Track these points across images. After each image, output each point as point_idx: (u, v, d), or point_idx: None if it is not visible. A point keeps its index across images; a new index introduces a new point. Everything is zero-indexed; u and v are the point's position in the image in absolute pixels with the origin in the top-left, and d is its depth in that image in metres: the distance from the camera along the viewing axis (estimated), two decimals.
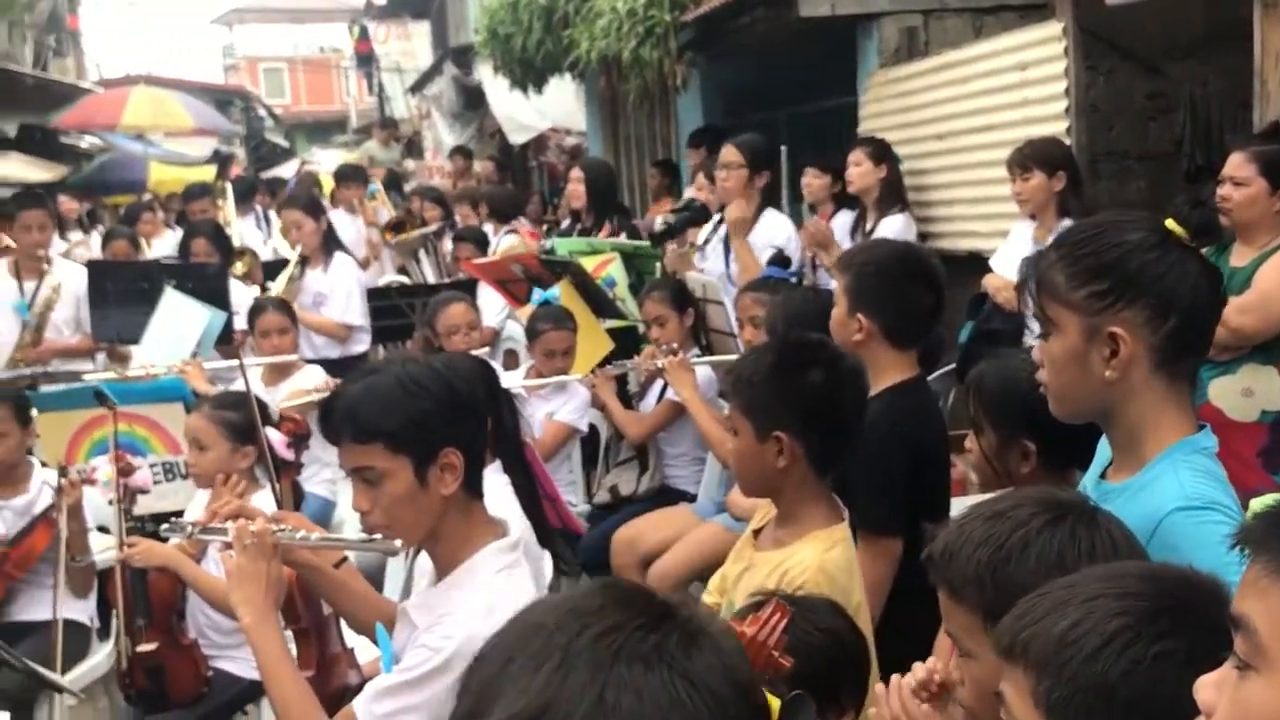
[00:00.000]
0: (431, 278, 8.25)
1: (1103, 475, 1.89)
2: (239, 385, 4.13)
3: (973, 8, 6.39)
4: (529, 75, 10.24)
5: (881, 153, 5.76)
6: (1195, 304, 1.75)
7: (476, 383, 2.27)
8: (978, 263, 5.17)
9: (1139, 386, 1.76)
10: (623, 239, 6.23)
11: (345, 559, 2.48)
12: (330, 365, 5.47)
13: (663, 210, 8.03)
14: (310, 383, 4.88)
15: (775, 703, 1.33)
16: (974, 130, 5.77)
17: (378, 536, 2.17)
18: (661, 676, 0.96)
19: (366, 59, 26.85)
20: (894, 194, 5.72)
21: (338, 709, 2.21)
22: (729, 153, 5.55)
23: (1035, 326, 1.93)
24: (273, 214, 9.65)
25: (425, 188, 12.19)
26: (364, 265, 7.50)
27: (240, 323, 5.63)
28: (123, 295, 5.92)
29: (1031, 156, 4.63)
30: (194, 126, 16.93)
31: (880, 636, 2.32)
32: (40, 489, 4.02)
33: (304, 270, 6.41)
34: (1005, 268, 4.71)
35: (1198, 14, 5.23)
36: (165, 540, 3.00)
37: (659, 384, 4.89)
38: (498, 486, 2.64)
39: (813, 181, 6.17)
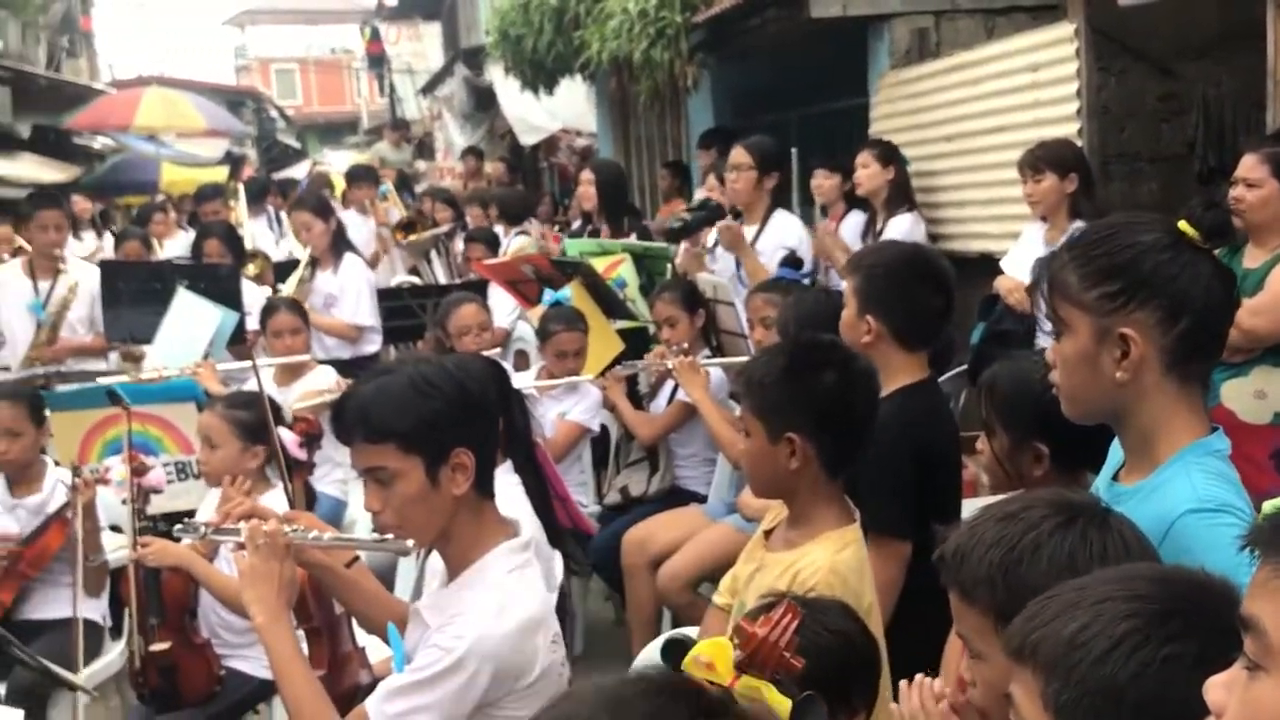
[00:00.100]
0: (443, 278, 8.27)
1: (1115, 477, 1.88)
2: (251, 386, 4.14)
3: (984, 9, 6.38)
4: (540, 76, 10.25)
5: (889, 154, 5.77)
6: (1208, 305, 1.74)
7: (488, 383, 2.28)
8: (989, 264, 5.16)
9: (1150, 388, 1.76)
10: (633, 240, 6.24)
11: (357, 559, 2.49)
12: (341, 366, 5.48)
13: (674, 211, 8.04)
14: (322, 383, 4.90)
15: (787, 703, 1.34)
16: (985, 131, 5.76)
17: (390, 536, 2.18)
18: None
19: (378, 60, 26.90)
20: (902, 194, 5.73)
21: (349, 708, 2.22)
22: (738, 154, 5.55)
23: (1047, 328, 1.93)
24: (285, 215, 9.68)
25: (436, 189, 12.22)
26: (372, 264, 7.52)
27: (252, 323, 5.65)
28: (136, 295, 5.94)
29: (1043, 158, 4.62)
30: (206, 127, 17.00)
31: (891, 637, 2.32)
32: (54, 488, 4.04)
33: (314, 272, 6.42)
34: (1016, 269, 4.70)
35: (1210, 15, 5.21)
36: (178, 540, 3.01)
37: (670, 385, 4.90)
38: (509, 487, 2.65)
39: (823, 182, 6.17)
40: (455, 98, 16.37)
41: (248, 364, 4.47)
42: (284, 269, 6.88)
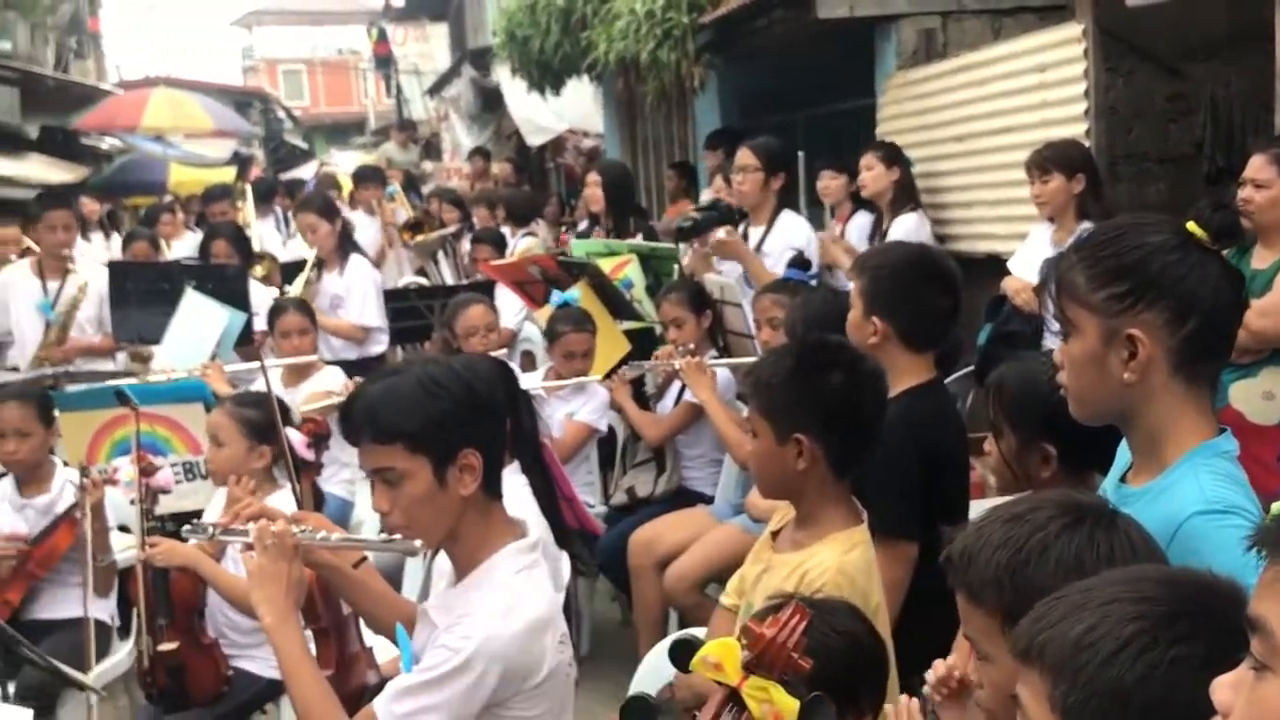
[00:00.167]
0: (450, 279, 8.29)
1: (1123, 479, 1.88)
2: (259, 386, 4.15)
3: (991, 9, 6.37)
4: (547, 77, 10.25)
5: (893, 155, 5.77)
6: (1216, 306, 1.74)
7: (496, 384, 2.28)
8: (996, 265, 5.16)
9: (1158, 389, 1.76)
10: (639, 240, 6.24)
11: (364, 559, 2.50)
12: (348, 367, 5.50)
13: (680, 212, 8.04)
14: (330, 384, 4.91)
15: (794, 704, 1.34)
16: (993, 132, 5.76)
17: (397, 537, 2.18)
18: None
19: (385, 61, 26.92)
20: (907, 195, 5.74)
21: (357, 708, 2.22)
22: (744, 156, 5.55)
23: (1055, 328, 1.93)
24: (292, 216, 9.70)
25: (443, 189, 12.24)
26: (377, 263, 7.53)
27: (260, 324, 5.66)
28: (144, 296, 5.96)
29: (1050, 159, 4.62)
30: (213, 128, 17.04)
31: (897, 639, 2.32)
32: (62, 488, 4.05)
33: (320, 273, 6.43)
34: (1024, 270, 4.70)
35: (1219, 15, 5.20)
36: (186, 541, 3.01)
37: (677, 385, 4.90)
38: (516, 487, 2.65)
39: (829, 183, 6.17)
40: (462, 98, 16.38)
41: (255, 365, 4.48)
42: (291, 270, 6.90)
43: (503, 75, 12.39)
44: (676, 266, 5.71)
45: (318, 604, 2.81)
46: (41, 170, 13.67)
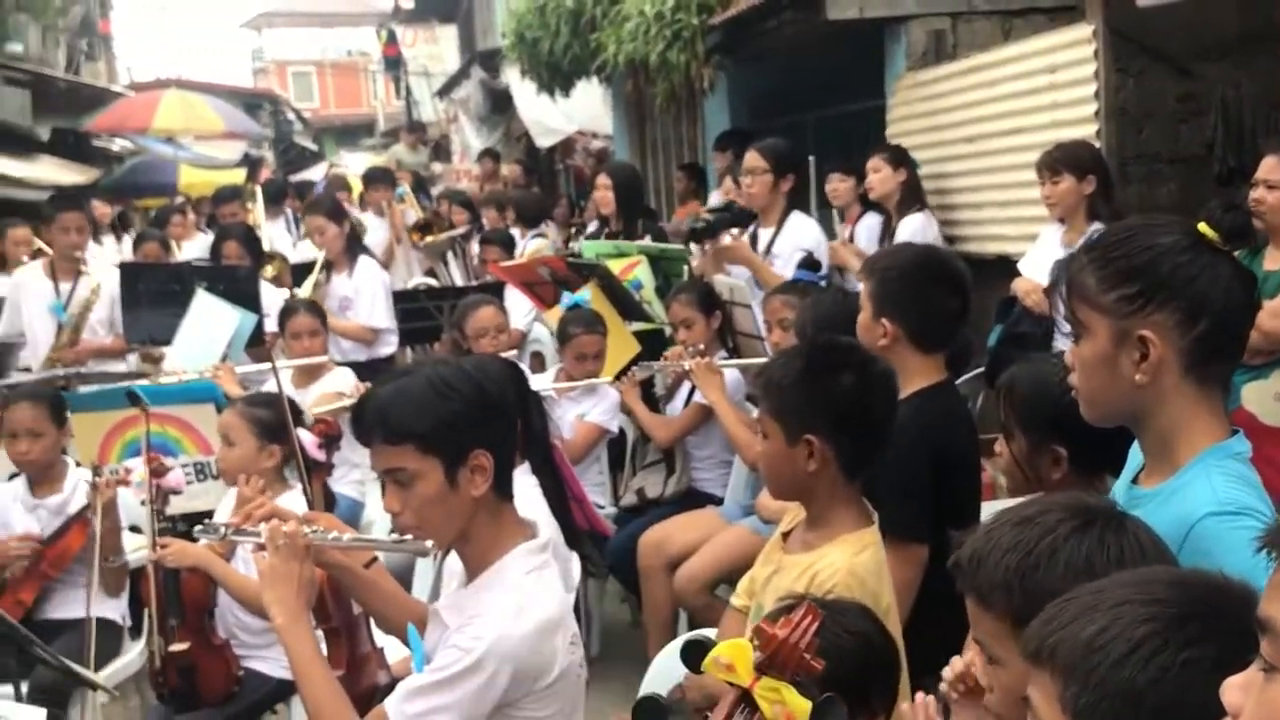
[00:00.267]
0: (459, 280, 8.29)
1: (1134, 480, 1.88)
2: (270, 387, 4.17)
3: (1001, 10, 6.36)
4: (556, 79, 10.26)
5: (899, 157, 5.78)
6: (1227, 307, 1.74)
7: (506, 385, 2.28)
8: (1006, 266, 5.15)
9: (1169, 391, 1.75)
10: (649, 242, 6.25)
11: (375, 559, 2.50)
12: (358, 368, 5.50)
13: (690, 213, 8.04)
14: (340, 385, 4.92)
15: (806, 704, 1.34)
16: (1003, 133, 5.75)
17: (408, 537, 2.19)
18: None
19: (394, 62, 26.98)
20: (913, 196, 5.75)
21: (368, 708, 2.23)
22: (752, 158, 5.55)
23: (1065, 330, 1.93)
24: (302, 217, 9.72)
25: (452, 191, 12.26)
26: (385, 264, 7.54)
27: (271, 325, 5.67)
28: (155, 297, 5.98)
29: (1061, 160, 4.61)
30: (224, 130, 17.09)
31: (907, 641, 2.32)
32: (74, 489, 4.07)
33: (329, 275, 6.45)
34: (1034, 271, 4.69)
35: (1229, 16, 5.19)
36: (198, 541, 3.02)
37: (686, 387, 4.90)
38: (527, 488, 2.65)
39: (838, 185, 6.17)
40: (471, 100, 16.41)
41: (266, 366, 4.50)
42: (301, 271, 6.92)
43: (512, 77, 12.41)
44: (686, 268, 5.71)
45: (329, 604, 2.82)
46: (53, 172, 13.71)
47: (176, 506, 3.70)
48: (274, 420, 3.53)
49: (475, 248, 8.57)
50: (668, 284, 5.63)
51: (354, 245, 6.59)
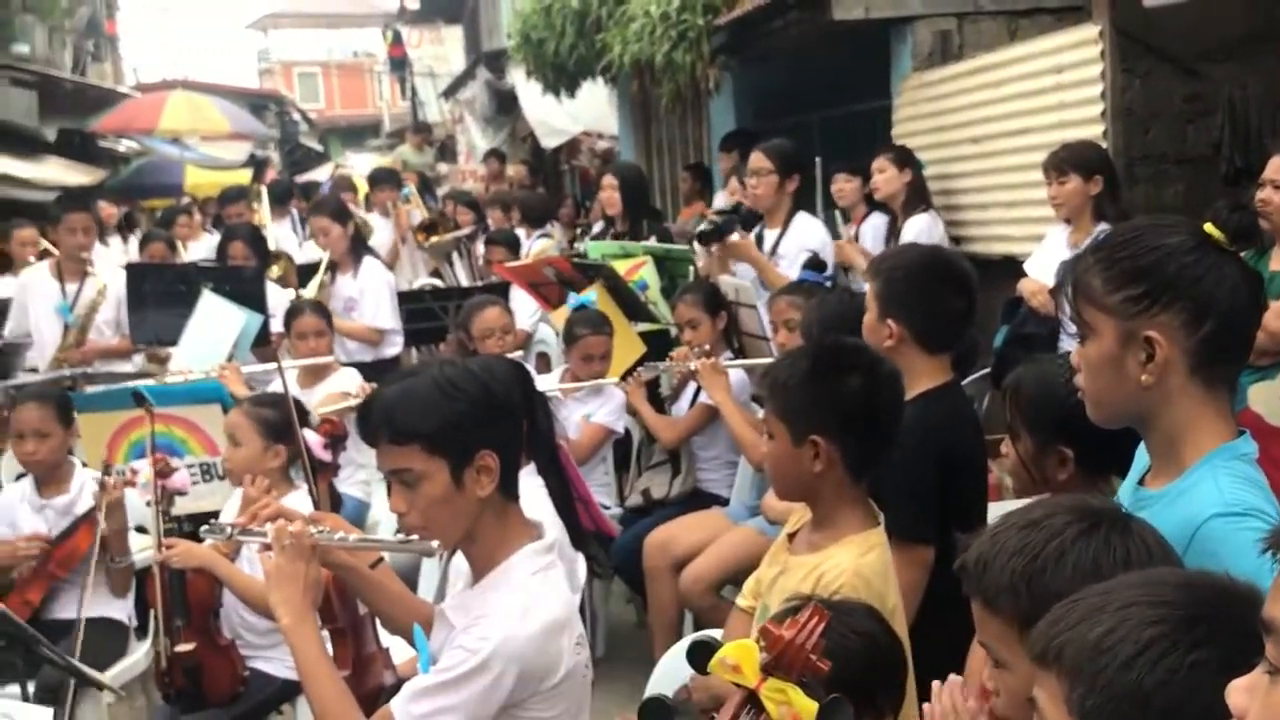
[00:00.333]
0: (464, 281, 8.30)
1: (1141, 481, 1.88)
2: (276, 387, 4.17)
3: (1007, 10, 6.36)
4: (561, 79, 10.26)
5: (904, 158, 5.78)
6: (1234, 308, 1.73)
7: (512, 385, 2.29)
8: (1012, 267, 5.15)
9: (1176, 391, 1.75)
10: (654, 242, 6.25)
11: (381, 560, 2.50)
12: (363, 369, 5.51)
13: (695, 213, 8.04)
14: (346, 385, 4.93)
15: (813, 706, 1.34)
16: (1009, 134, 5.75)
17: (414, 538, 2.19)
18: None
19: (400, 63, 26.99)
20: (919, 196, 5.75)
21: (373, 709, 2.23)
22: (758, 159, 5.55)
23: (1071, 330, 1.93)
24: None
25: (458, 191, 12.27)
26: (389, 265, 7.55)
27: (276, 325, 5.68)
28: (161, 298, 5.99)
29: (1067, 160, 4.61)
30: (230, 130, 17.12)
31: (913, 643, 2.32)
32: (81, 489, 4.08)
33: (334, 276, 6.45)
34: (1040, 272, 4.69)
35: (1236, 16, 5.18)
36: (204, 541, 3.03)
37: (692, 387, 4.90)
38: (532, 489, 2.66)
39: (844, 186, 6.17)
40: (477, 101, 16.42)
41: (272, 366, 4.50)
42: (307, 271, 6.93)
43: (518, 77, 12.40)
44: (691, 268, 5.71)
45: (334, 604, 2.82)
46: (59, 173, 13.73)
47: (182, 507, 3.70)
48: (279, 420, 3.53)
49: (480, 248, 8.58)
50: (673, 284, 5.63)
51: (358, 246, 6.60)
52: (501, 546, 2.18)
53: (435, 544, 2.19)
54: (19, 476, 4.37)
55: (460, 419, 2.11)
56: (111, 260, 9.11)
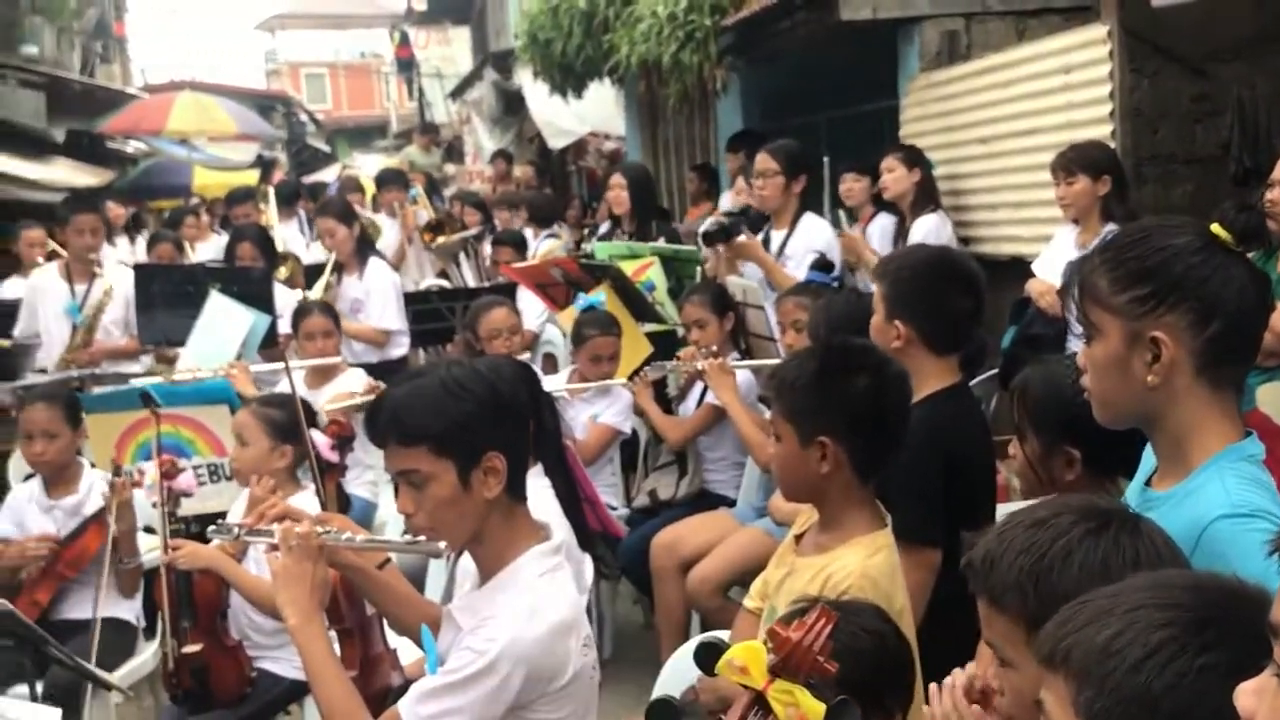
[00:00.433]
0: (471, 281, 8.30)
1: (1147, 483, 1.87)
2: (283, 388, 4.18)
3: (1016, 10, 6.35)
4: (569, 80, 10.28)
5: (914, 157, 5.77)
6: (1241, 309, 1.73)
7: (519, 386, 2.28)
8: (1020, 267, 5.14)
9: (1182, 392, 1.75)
10: (662, 243, 6.25)
11: (388, 560, 2.51)
12: (370, 370, 5.51)
13: (701, 214, 8.03)
14: (353, 385, 4.93)
15: (820, 707, 1.34)
16: (1017, 134, 5.74)
17: (421, 539, 2.19)
18: None
19: (407, 64, 27.03)
20: (927, 196, 5.74)
21: (381, 709, 2.23)
22: (763, 161, 5.55)
23: (1079, 331, 1.92)
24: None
25: (465, 192, 12.28)
26: (395, 265, 7.56)
27: (284, 326, 5.69)
28: (169, 298, 6.00)
29: (1075, 160, 4.60)
30: (237, 131, 17.14)
31: (920, 644, 2.32)
32: (89, 489, 4.09)
33: (340, 277, 6.46)
34: (1048, 272, 4.68)
35: (1244, 16, 5.17)
36: (211, 541, 3.03)
37: (699, 388, 4.90)
38: (539, 490, 2.66)
39: (852, 185, 6.17)
40: (484, 101, 16.44)
41: (280, 366, 4.50)
42: (314, 272, 6.93)
43: (525, 78, 12.43)
44: (699, 269, 5.71)
45: (342, 605, 2.82)
46: (67, 174, 13.76)
47: (190, 508, 3.71)
48: (286, 420, 3.54)
49: (488, 249, 8.58)
50: (680, 285, 5.63)
51: (364, 247, 6.60)
52: (509, 548, 2.18)
53: (442, 545, 2.19)
54: (28, 477, 4.38)
55: (467, 420, 2.11)
56: (119, 259, 9.13)
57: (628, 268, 5.56)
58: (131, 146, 18.06)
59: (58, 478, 4.13)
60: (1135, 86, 5.24)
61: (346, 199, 8.39)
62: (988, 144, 6.01)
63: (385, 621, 2.75)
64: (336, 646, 2.71)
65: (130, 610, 4.07)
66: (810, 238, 5.46)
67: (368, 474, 5.07)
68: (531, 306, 6.43)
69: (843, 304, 3.76)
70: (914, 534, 2.64)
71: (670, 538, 4.47)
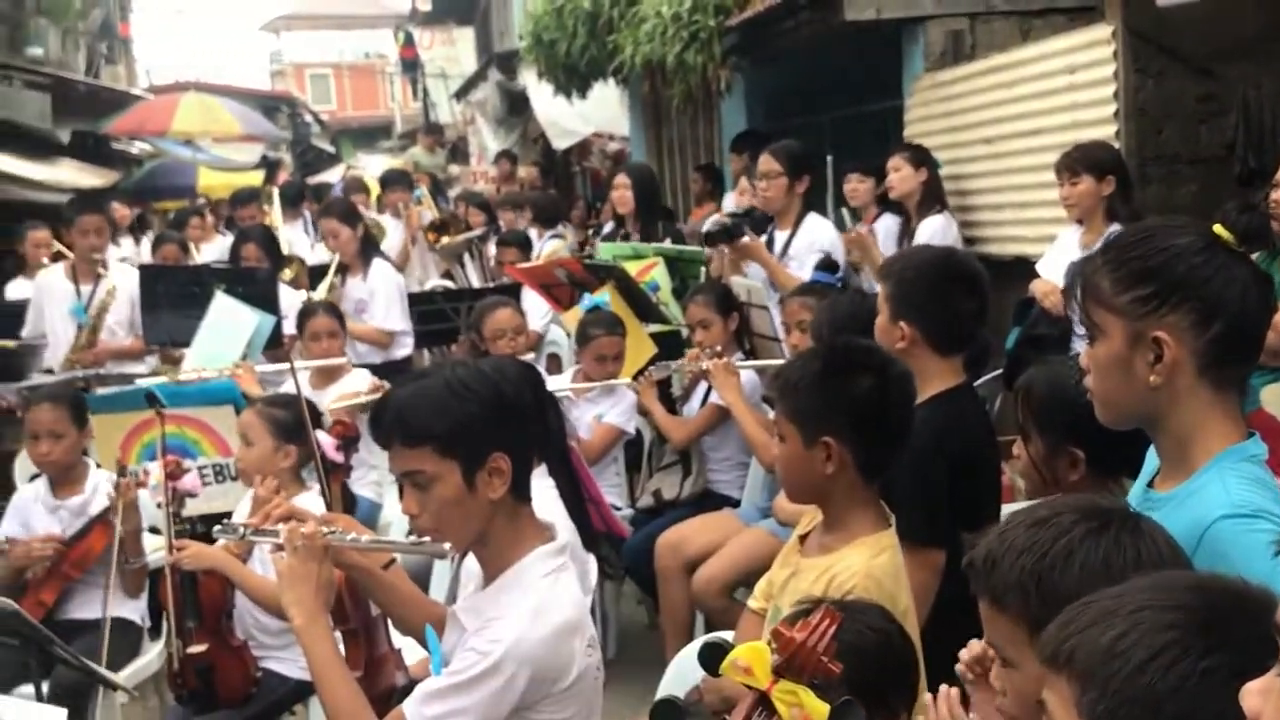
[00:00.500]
0: (476, 282, 8.31)
1: (1150, 484, 1.87)
2: (288, 388, 4.18)
3: (1020, 10, 6.34)
4: (573, 80, 10.28)
5: (920, 157, 5.76)
6: (1243, 309, 1.73)
7: (524, 387, 2.29)
8: (1025, 267, 5.13)
9: (1184, 392, 1.75)
10: (667, 244, 6.25)
11: (393, 561, 2.51)
12: (374, 371, 5.51)
13: (705, 214, 8.03)
14: (358, 386, 4.94)
15: (824, 708, 1.34)
16: (1021, 134, 5.74)
17: (426, 540, 2.19)
18: None
19: (412, 65, 27.05)
20: (934, 196, 5.73)
21: (385, 709, 2.23)
22: (766, 162, 5.55)
23: (1083, 331, 1.92)
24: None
25: (469, 192, 12.28)
26: (399, 266, 7.57)
27: (289, 327, 5.69)
28: (174, 299, 6.01)
29: (1080, 161, 4.60)
30: (242, 132, 17.15)
31: (924, 646, 2.31)
32: (95, 490, 4.09)
33: (344, 278, 6.47)
34: (1053, 273, 4.68)
35: (1249, 15, 5.16)
36: (217, 541, 3.04)
37: (703, 388, 4.90)
38: (543, 490, 2.66)
39: (857, 186, 6.16)
40: (488, 102, 16.44)
41: (285, 367, 4.51)
42: (318, 273, 6.94)
43: (529, 79, 12.43)
44: (703, 269, 5.71)
45: (347, 605, 2.82)
46: (73, 175, 13.78)
47: (195, 508, 3.72)
48: (291, 420, 3.54)
49: (492, 249, 8.59)
50: (685, 285, 5.63)
51: (368, 248, 6.61)
52: (513, 548, 2.18)
53: (447, 546, 2.20)
54: (33, 477, 4.39)
55: (472, 421, 2.11)
56: (120, 256, 9.15)
57: (632, 268, 5.57)
58: (136, 147, 18.07)
59: (63, 478, 4.14)
60: (1140, 86, 5.23)
61: (350, 200, 8.40)
62: (992, 144, 6.00)
63: (390, 622, 2.76)
64: (341, 647, 2.72)
65: (135, 610, 4.08)
66: (814, 238, 5.46)
67: (372, 474, 5.07)
68: (536, 307, 6.44)
69: (847, 304, 3.76)
70: (918, 535, 2.63)
71: (675, 538, 4.47)
